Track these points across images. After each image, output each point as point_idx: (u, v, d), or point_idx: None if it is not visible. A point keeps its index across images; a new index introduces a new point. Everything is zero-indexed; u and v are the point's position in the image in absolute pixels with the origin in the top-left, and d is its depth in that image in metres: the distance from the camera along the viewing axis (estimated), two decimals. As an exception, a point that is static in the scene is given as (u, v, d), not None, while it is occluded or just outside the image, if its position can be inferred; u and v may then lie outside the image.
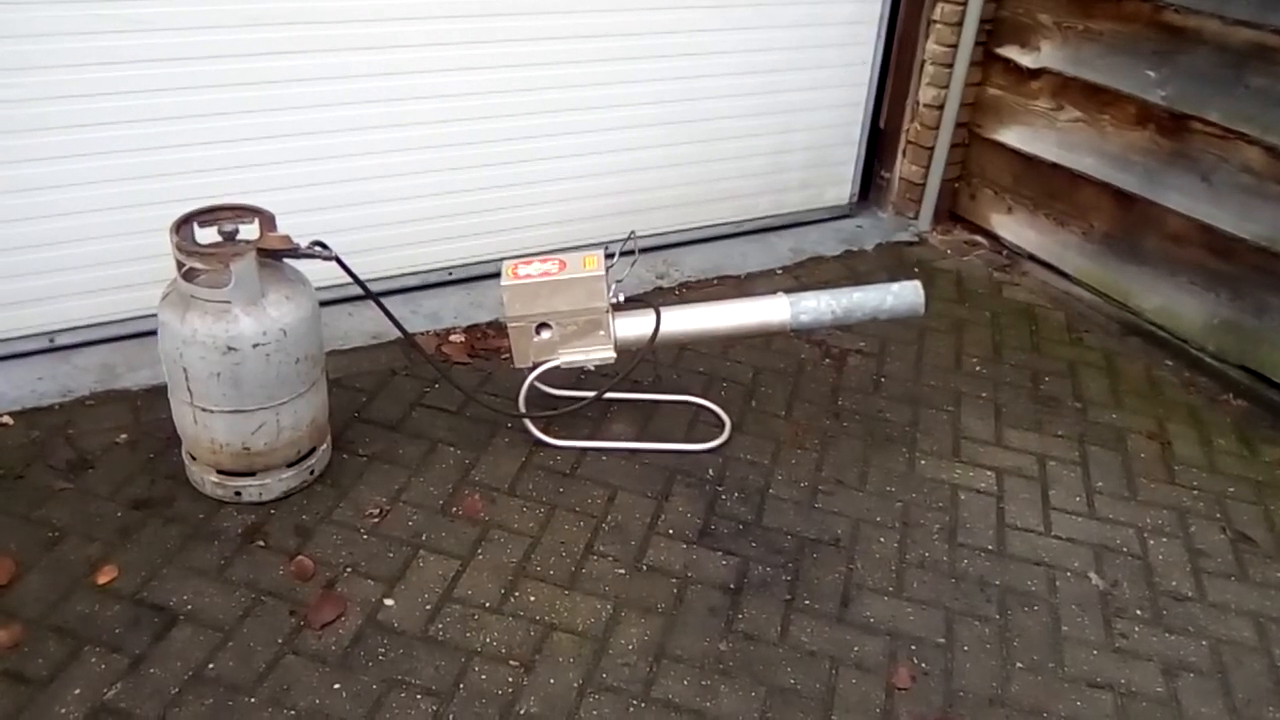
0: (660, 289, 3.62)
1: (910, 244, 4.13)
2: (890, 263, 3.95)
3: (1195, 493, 2.80)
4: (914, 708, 2.11)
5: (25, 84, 2.62)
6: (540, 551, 2.41)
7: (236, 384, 2.27)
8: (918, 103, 4.09)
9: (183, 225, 2.26)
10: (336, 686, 2.03)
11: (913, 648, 2.24)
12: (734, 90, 3.73)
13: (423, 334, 3.20)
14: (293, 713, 1.97)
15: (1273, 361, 3.16)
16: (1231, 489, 2.82)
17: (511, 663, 2.12)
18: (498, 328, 3.24)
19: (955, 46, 3.86)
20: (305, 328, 2.35)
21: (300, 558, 2.32)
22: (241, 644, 2.10)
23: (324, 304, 2.56)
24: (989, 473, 2.81)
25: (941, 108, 3.99)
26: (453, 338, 3.22)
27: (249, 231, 2.30)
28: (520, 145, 3.41)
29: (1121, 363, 3.40)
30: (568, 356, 2.67)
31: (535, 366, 2.68)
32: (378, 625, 2.17)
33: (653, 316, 2.68)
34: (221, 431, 2.34)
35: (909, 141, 4.18)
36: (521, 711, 2.02)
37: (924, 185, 4.17)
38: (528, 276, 2.58)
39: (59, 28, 2.61)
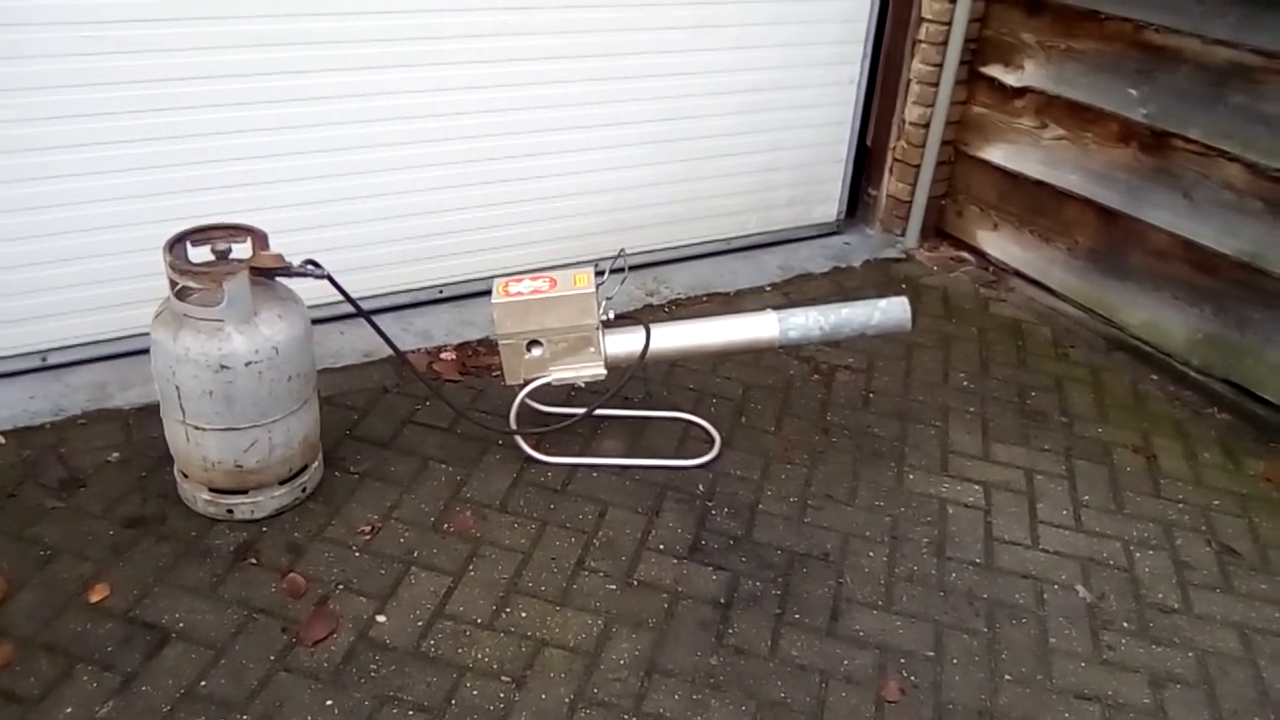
0: (650, 306, 3.64)
1: (897, 260, 4.16)
2: (878, 279, 3.98)
3: (1180, 506, 2.82)
4: (903, 720, 2.12)
5: (19, 104, 2.64)
6: (531, 567, 2.42)
7: (229, 402, 2.28)
8: (904, 121, 4.13)
9: (176, 244, 2.27)
10: (329, 703, 2.04)
11: (902, 661, 2.26)
12: (721, 109, 3.77)
13: (414, 352, 3.21)
14: (285, 730, 1.98)
15: (1256, 375, 3.20)
16: (1216, 502, 2.85)
17: (503, 678, 2.13)
18: (489, 345, 3.26)
19: (940, 66, 3.91)
20: (297, 346, 2.36)
21: (292, 575, 2.32)
22: (233, 661, 2.10)
23: (316, 322, 2.58)
24: (977, 487, 2.83)
25: (927, 126, 4.03)
26: (444, 355, 3.23)
27: (242, 250, 2.32)
28: (510, 164, 3.44)
29: (1107, 377, 3.43)
30: (558, 373, 2.69)
31: (526, 383, 2.70)
32: (369, 642, 2.18)
33: (643, 333, 2.70)
34: (214, 449, 2.35)
35: (895, 159, 4.23)
36: (513, 727, 2.03)
37: (911, 202, 4.21)
38: (518, 294, 2.60)
39: (54, 49, 2.62)
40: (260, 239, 2.35)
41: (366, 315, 2.55)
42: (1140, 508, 2.81)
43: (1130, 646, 2.35)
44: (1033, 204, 3.86)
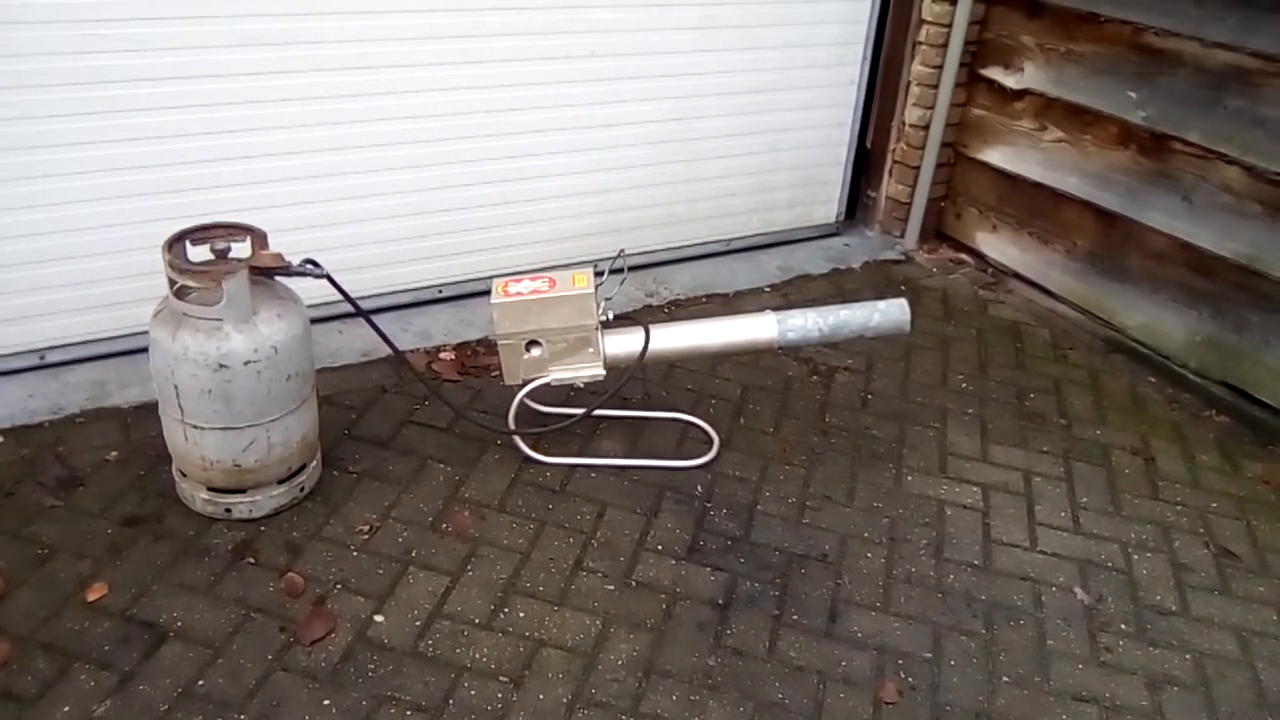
0: (649, 307, 3.64)
1: (897, 262, 4.17)
2: (877, 281, 3.98)
3: (1179, 508, 2.83)
4: (901, 722, 2.12)
5: (18, 102, 2.64)
6: (530, 568, 2.42)
7: (227, 401, 2.28)
8: (903, 123, 4.13)
9: (175, 243, 2.27)
10: (326, 703, 2.03)
11: (900, 662, 2.26)
12: (722, 110, 3.77)
13: (413, 351, 3.21)
14: (282, 729, 1.98)
15: (1254, 378, 3.20)
16: (1214, 504, 2.85)
17: (501, 679, 2.13)
18: (488, 345, 3.26)
19: (940, 68, 3.91)
20: (296, 345, 2.36)
21: (290, 574, 2.32)
22: (231, 661, 2.10)
23: (315, 321, 2.58)
24: (975, 489, 2.83)
25: (927, 128, 4.03)
26: (443, 355, 3.23)
27: (241, 249, 2.32)
28: (510, 164, 3.44)
29: (1105, 379, 3.43)
30: (557, 374, 2.69)
31: (525, 384, 2.70)
32: (367, 641, 2.18)
33: (642, 334, 2.70)
34: (212, 448, 2.35)
35: (895, 161, 4.23)
36: (511, 727, 2.03)
37: (910, 204, 4.21)
38: (518, 294, 2.60)
39: (54, 47, 2.62)
40: (260, 238, 2.34)
41: (365, 315, 2.55)
42: (1138, 510, 2.81)
43: (1128, 649, 2.35)
44: (1032, 206, 3.86)
